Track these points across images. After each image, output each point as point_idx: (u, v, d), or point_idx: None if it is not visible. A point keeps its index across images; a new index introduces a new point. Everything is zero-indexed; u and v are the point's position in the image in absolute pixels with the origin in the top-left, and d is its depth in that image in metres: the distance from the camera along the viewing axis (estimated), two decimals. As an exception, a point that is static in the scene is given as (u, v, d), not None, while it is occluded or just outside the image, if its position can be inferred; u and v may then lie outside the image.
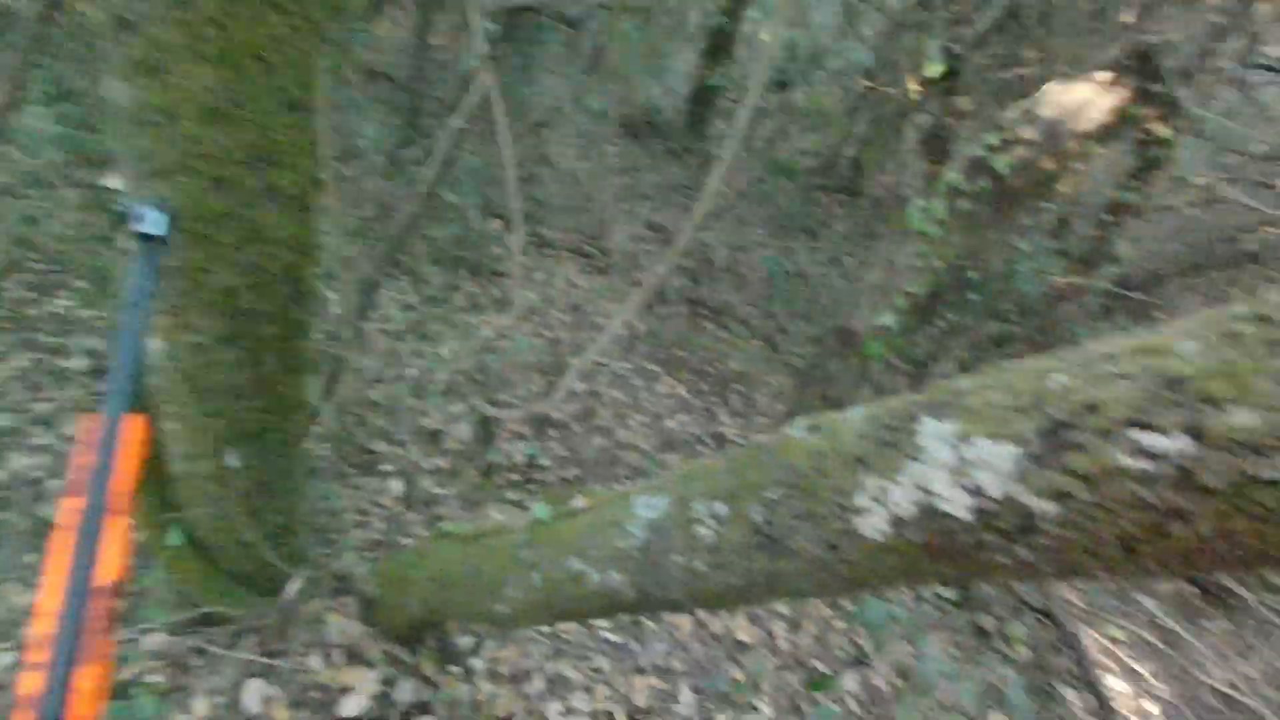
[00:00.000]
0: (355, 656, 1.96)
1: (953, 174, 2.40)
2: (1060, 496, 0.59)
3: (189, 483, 1.55)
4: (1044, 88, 2.23)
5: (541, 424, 3.28)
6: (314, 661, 1.90)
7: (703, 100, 7.04)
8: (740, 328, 4.81)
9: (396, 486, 2.87)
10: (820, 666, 2.82)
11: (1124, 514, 0.55)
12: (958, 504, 0.68)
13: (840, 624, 3.01)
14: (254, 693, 1.80)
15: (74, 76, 3.97)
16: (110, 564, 0.71)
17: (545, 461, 3.30)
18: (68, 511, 0.71)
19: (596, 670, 2.44)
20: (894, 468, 0.75)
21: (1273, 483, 0.48)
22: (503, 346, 3.81)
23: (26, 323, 3.17)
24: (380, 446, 3.10)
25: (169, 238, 0.90)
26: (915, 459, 0.72)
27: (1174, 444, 0.52)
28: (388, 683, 1.95)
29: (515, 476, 3.17)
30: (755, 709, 2.51)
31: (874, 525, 0.77)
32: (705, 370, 4.44)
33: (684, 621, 2.77)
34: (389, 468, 3.00)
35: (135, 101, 1.06)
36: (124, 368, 0.80)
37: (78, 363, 3.06)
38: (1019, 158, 2.21)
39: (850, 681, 2.77)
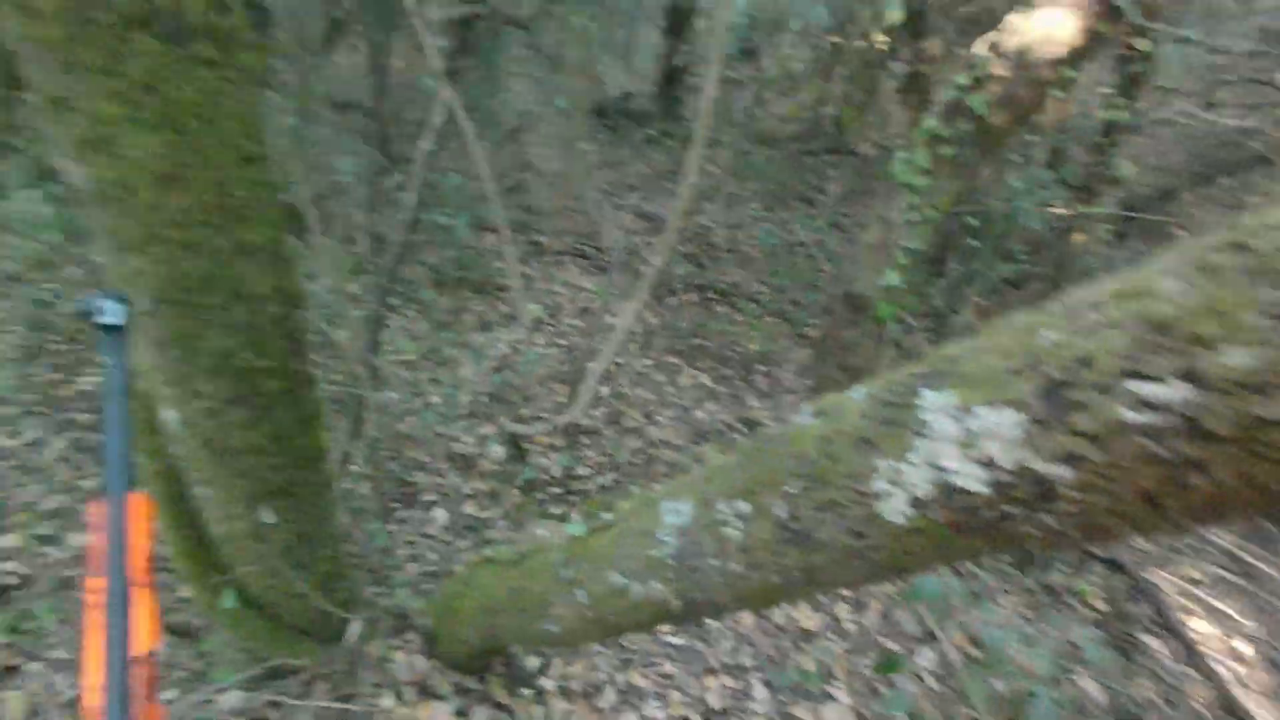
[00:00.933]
0: (426, 691, 1.99)
1: (930, 121, 2.35)
2: (1072, 460, 0.57)
3: (230, 543, 1.58)
4: (1007, 18, 2.18)
5: (572, 433, 3.29)
6: (386, 701, 1.93)
7: (673, 81, 6.98)
8: (752, 306, 4.78)
9: (441, 516, 2.89)
10: (891, 645, 2.78)
11: (1139, 470, 0.53)
12: (972, 478, 0.66)
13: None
14: (333, 737, 1.83)
15: (52, 155, 3.99)
16: (143, 634, 0.75)
17: (582, 470, 3.31)
18: (93, 592, 0.75)
19: (666, 676, 2.43)
20: (903, 447, 0.73)
21: (1281, 423, 0.46)
22: (518, 362, 3.82)
23: (59, 404, 3.24)
24: (418, 478, 3.13)
25: (129, 326, 0.92)
26: (922, 435, 0.71)
27: (1174, 392, 0.50)
28: (461, 714, 1.97)
29: (555, 489, 3.18)
30: (831, 698, 2.47)
31: (895, 508, 0.76)
32: (725, 355, 4.41)
33: (746, 616, 2.74)
34: (430, 498, 3.03)
35: (90, 179, 1.05)
36: (115, 452, 0.83)
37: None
38: (994, 94, 2.16)
39: (922, 658, 2.71)
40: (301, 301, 1.35)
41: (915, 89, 4.62)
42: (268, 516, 1.52)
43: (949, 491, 0.69)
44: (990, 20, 2.76)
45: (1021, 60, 2.12)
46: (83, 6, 0.91)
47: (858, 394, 0.86)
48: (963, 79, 2.24)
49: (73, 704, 2.21)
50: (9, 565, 2.67)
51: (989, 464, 0.65)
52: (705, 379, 4.24)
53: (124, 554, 0.75)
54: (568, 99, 5.43)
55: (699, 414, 3.92)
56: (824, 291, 4.74)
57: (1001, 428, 0.62)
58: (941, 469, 0.69)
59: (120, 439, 0.83)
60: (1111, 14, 2.05)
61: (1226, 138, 3.87)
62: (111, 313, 0.90)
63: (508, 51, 6.44)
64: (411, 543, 2.88)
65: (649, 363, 4.32)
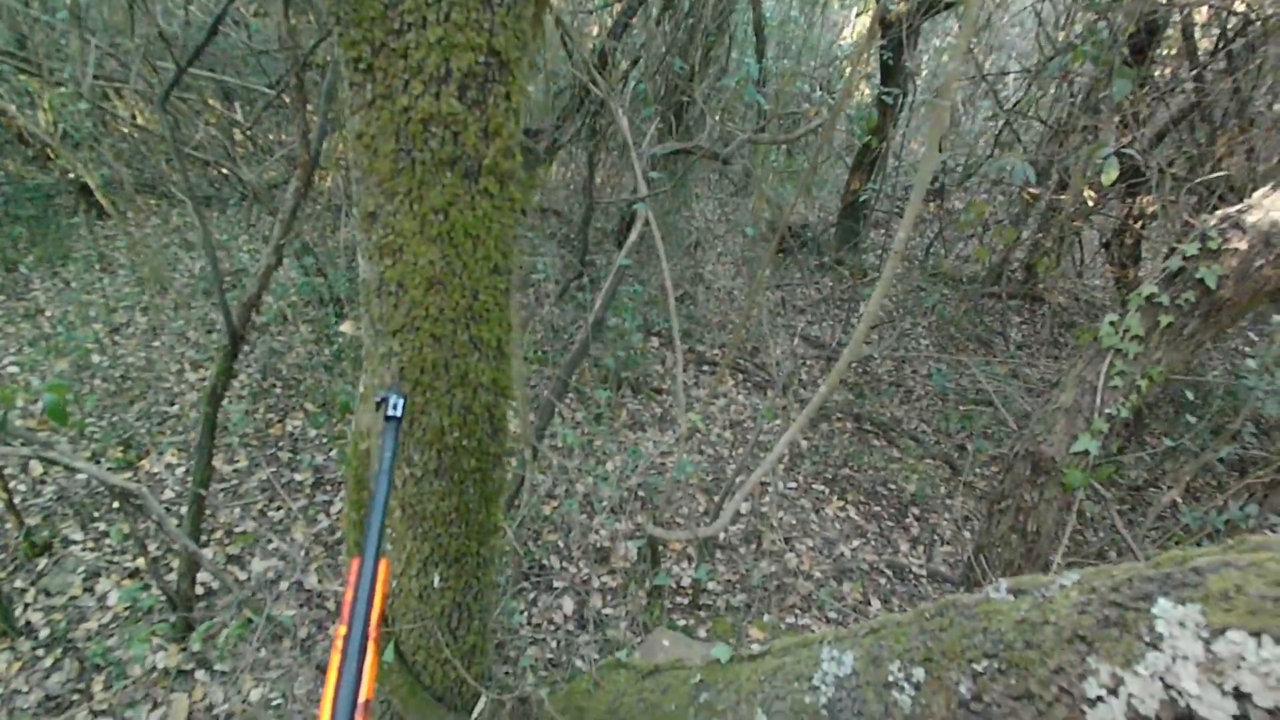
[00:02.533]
0: (541, 781, 1.97)
1: (1149, 287, 2.21)
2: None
3: (399, 600, 1.71)
4: (1254, 193, 2.03)
5: (709, 547, 3.25)
6: (500, 782, 1.93)
7: (853, 214, 7.09)
8: (912, 445, 4.55)
9: (568, 604, 2.94)
10: None
11: None
12: (1216, 708, 0.59)
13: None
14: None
15: (312, 234, 4.77)
16: (368, 683, 0.82)
17: (712, 586, 3.24)
18: (338, 638, 0.84)
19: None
20: (1129, 655, 0.67)
21: None
22: (667, 465, 3.87)
23: (269, 440, 3.73)
24: (553, 562, 3.22)
25: (405, 419, 1.13)
26: (1155, 648, 0.65)
27: None
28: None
29: (682, 600, 3.13)
30: None
31: (1109, 717, 0.69)
32: (878, 492, 4.20)
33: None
34: (560, 584, 3.09)
35: (377, 275, 1.29)
36: (376, 522, 0.94)
37: (304, 475, 3.52)
38: (1229, 267, 2.00)
39: None
40: (510, 393, 1.50)
41: (1124, 245, 4.37)
42: (436, 580, 1.64)
43: (1182, 715, 0.62)
44: (1226, 188, 2.58)
45: (1266, 238, 1.96)
46: (410, 149, 1.14)
47: (1068, 581, 0.81)
48: (1192, 248, 2.10)
49: (227, 717, 2.40)
50: (202, 575, 3.04)
51: (1239, 696, 0.58)
52: (853, 513, 4.04)
53: (369, 610, 0.85)
54: (751, 224, 5.69)
55: (842, 549, 3.72)
56: (998, 442, 4.41)
57: (1264, 664, 0.56)
58: (1176, 690, 0.63)
59: (381, 511, 0.96)
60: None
61: None
62: (396, 407, 1.13)
63: (700, 173, 6.93)
64: (538, 626, 2.93)
65: (794, 486, 4.20)
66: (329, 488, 3.46)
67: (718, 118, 6.80)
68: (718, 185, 8.50)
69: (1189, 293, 2.10)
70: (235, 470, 3.53)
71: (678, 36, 5.47)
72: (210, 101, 5.86)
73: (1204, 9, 3.84)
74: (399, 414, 1.15)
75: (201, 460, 2.70)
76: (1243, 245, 2.00)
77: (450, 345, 1.32)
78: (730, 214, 7.77)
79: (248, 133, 5.61)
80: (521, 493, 2.67)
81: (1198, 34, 4.24)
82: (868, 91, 7.56)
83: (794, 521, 3.85)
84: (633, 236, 3.24)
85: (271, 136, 6.15)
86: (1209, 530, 2.38)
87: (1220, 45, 4.03)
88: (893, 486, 4.27)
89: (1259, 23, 3.57)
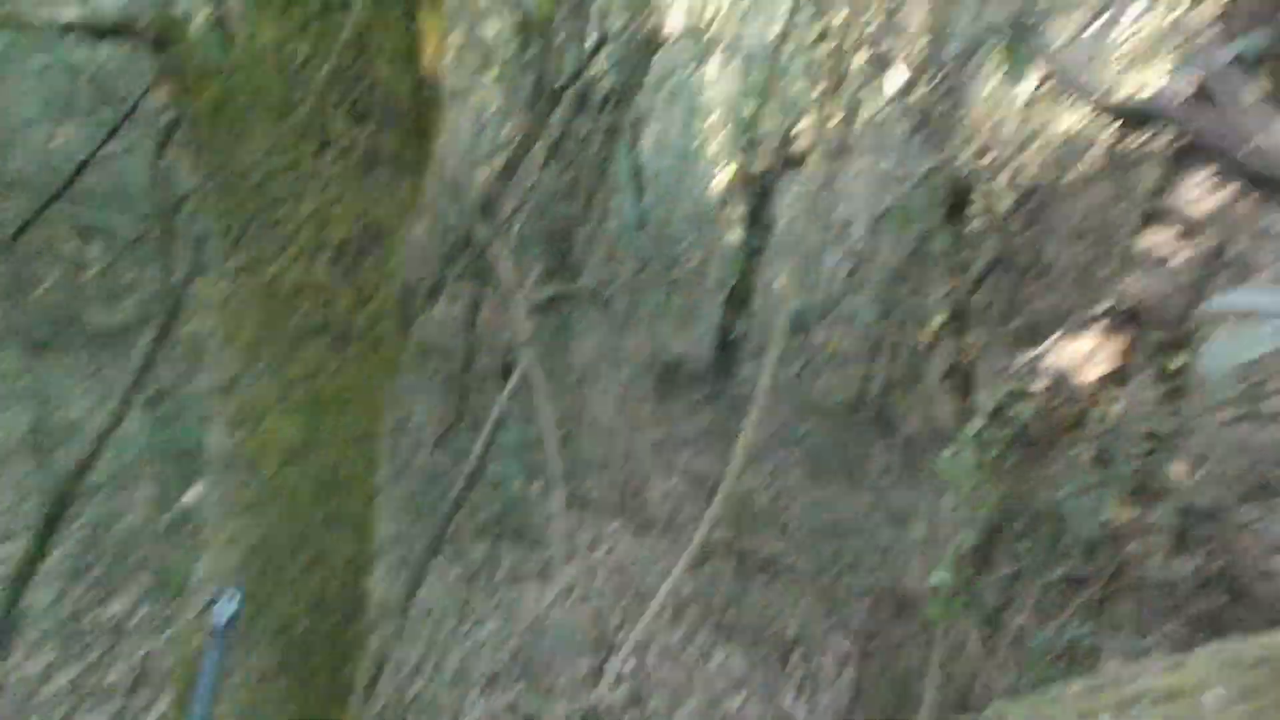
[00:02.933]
0: None
1: (976, 422, 2.48)
2: None
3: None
4: (1049, 340, 2.38)
5: (589, 718, 3.05)
6: None
7: (728, 347, 7.53)
8: (792, 584, 4.61)
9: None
10: None
11: None
12: None
13: None
14: None
15: (167, 379, 4.41)
16: None
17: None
18: None
19: None
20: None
21: None
22: (546, 626, 3.68)
23: (82, 631, 3.15)
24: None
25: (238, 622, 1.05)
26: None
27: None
28: None
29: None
30: None
31: None
32: (761, 633, 4.16)
33: None
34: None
35: (227, 449, 1.22)
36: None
37: (119, 675, 2.99)
38: (1037, 406, 2.29)
39: None
40: (369, 570, 1.41)
41: (960, 377, 4.88)
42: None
43: None
44: (1032, 335, 2.99)
45: (1061, 380, 2.28)
46: (276, 318, 1.14)
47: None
48: (1005, 389, 2.40)
49: None
50: None
51: None
52: (738, 660, 3.94)
53: None
54: (631, 360, 5.89)
55: (728, 705, 3.58)
56: (867, 573, 4.56)
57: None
58: None
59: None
60: (1144, 343, 2.24)
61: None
62: (225, 612, 1.03)
63: (582, 311, 7.17)
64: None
65: (679, 634, 4.08)
66: (151, 687, 2.95)
67: (601, 258, 7.16)
68: (600, 324, 8.78)
69: (1007, 429, 2.36)
70: (27, 676, 2.92)
71: (561, 184, 5.83)
72: (62, 239, 5.53)
73: (1003, 176, 4.61)
74: (229, 620, 1.04)
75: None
76: (1042, 386, 2.31)
77: (305, 523, 1.25)
78: (613, 350, 8.01)
79: (102, 274, 5.30)
80: (382, 673, 2.44)
81: (1001, 197, 5.04)
82: (738, 233, 8.25)
83: (680, 677, 3.71)
84: (513, 381, 3.26)
85: (131, 276, 5.81)
86: (1054, 653, 2.55)
87: (1017, 207, 4.83)
88: (775, 627, 4.24)
89: (1047, 187, 4.34)
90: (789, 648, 4.08)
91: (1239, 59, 2.12)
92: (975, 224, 5.32)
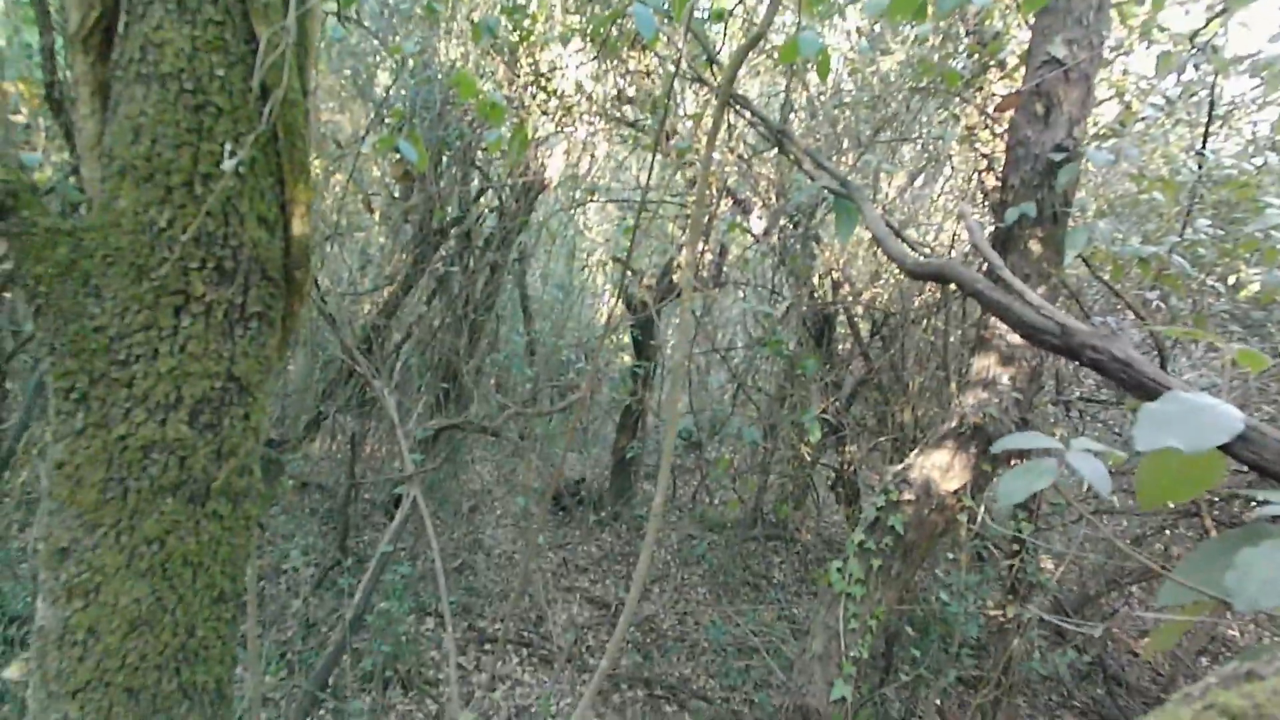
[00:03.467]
0: None
1: (858, 534, 2.59)
2: None
3: None
4: (912, 453, 2.58)
5: None
6: None
7: (623, 469, 7.54)
8: (702, 706, 4.45)
9: None
10: None
11: None
12: None
13: None
14: None
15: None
16: None
17: None
18: None
19: None
20: None
21: None
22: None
23: None
24: None
25: None
26: None
27: None
28: None
29: None
30: None
31: None
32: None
33: None
34: None
35: (60, 623, 1.09)
36: None
37: None
38: (908, 515, 2.44)
39: None
40: (230, 742, 1.27)
41: (845, 487, 5.12)
42: None
43: None
44: (901, 448, 3.22)
45: (924, 490, 2.46)
46: (123, 477, 1.06)
47: None
48: (880, 500, 2.54)
49: None
50: None
51: None
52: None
53: None
54: (525, 490, 5.78)
55: None
56: (778, 692, 4.49)
57: None
58: None
59: None
60: (987, 458, 2.47)
61: (1126, 542, 4.25)
62: None
63: (472, 440, 7.01)
64: None
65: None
66: None
67: (490, 387, 7.13)
68: (493, 448, 8.62)
69: (887, 538, 2.49)
70: None
71: (447, 317, 5.87)
72: None
73: (859, 306, 5.09)
74: None
75: None
76: (911, 496, 2.48)
77: (151, 699, 1.12)
78: (507, 475, 7.83)
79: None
80: None
81: (860, 323, 5.53)
82: (626, 359, 8.50)
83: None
84: (398, 519, 3.11)
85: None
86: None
87: (874, 332, 5.32)
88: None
89: (898, 315, 4.81)
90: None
91: (1020, 220, 2.56)
92: (842, 347, 5.80)
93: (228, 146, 1.12)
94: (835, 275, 5.04)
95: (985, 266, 2.71)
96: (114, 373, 1.10)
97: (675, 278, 7.02)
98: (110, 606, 1.09)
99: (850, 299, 5.12)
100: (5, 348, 2.65)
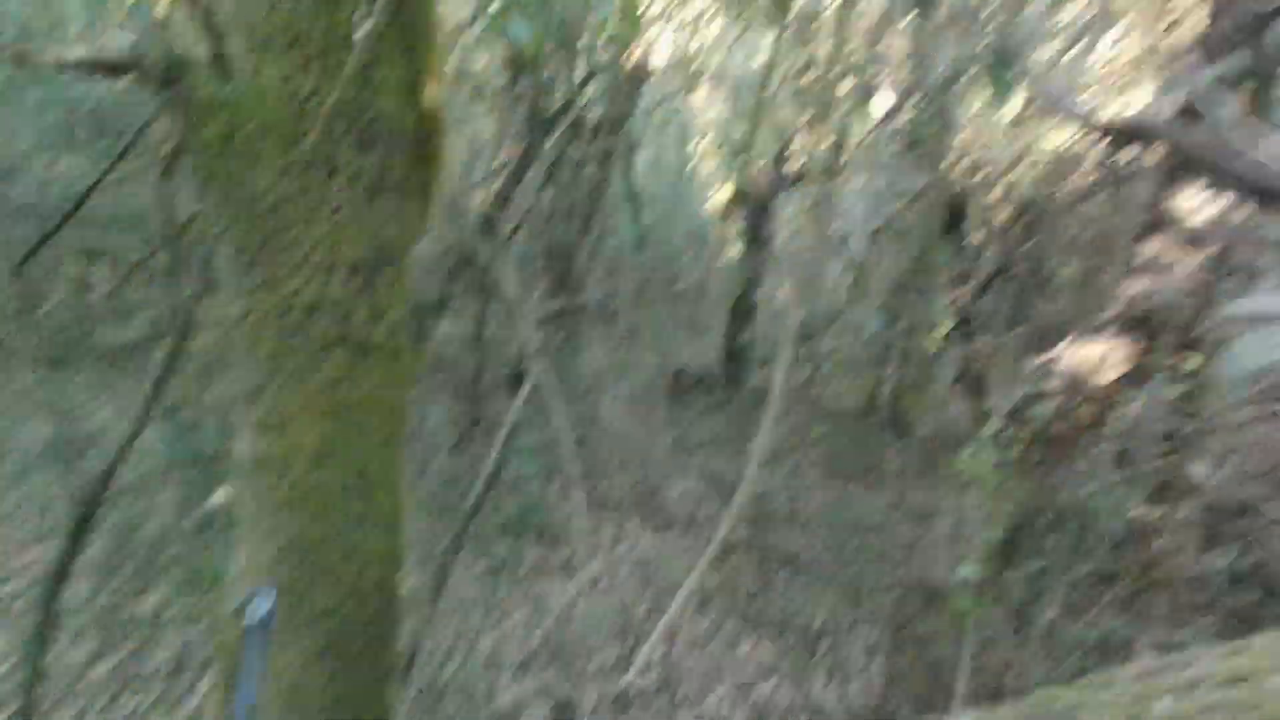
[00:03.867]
0: None
1: (995, 422, 2.47)
2: None
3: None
4: (1061, 344, 2.38)
5: (622, 702, 3.06)
6: None
7: (735, 357, 7.54)
8: (815, 578, 4.60)
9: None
10: None
11: None
12: None
13: None
14: None
15: (183, 392, 4.46)
16: None
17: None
18: None
19: None
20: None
21: None
22: (573, 615, 3.70)
23: (120, 622, 3.24)
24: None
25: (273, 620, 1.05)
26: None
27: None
28: None
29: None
30: None
31: None
32: (787, 624, 4.15)
33: None
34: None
35: (255, 453, 1.24)
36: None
37: (161, 660, 3.07)
38: (1055, 407, 2.29)
39: None
40: (400, 564, 1.43)
41: (971, 379, 4.87)
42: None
43: None
44: (1039, 341, 2.99)
45: (1074, 383, 2.28)
46: (295, 332, 1.15)
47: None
48: (1023, 390, 2.40)
49: None
50: None
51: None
52: (766, 648, 3.94)
53: None
54: (640, 370, 5.90)
55: (760, 691, 3.60)
56: (889, 569, 4.54)
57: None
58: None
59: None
60: (1154, 350, 2.23)
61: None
62: (258, 611, 1.04)
63: (591, 322, 7.19)
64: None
65: (705, 625, 4.09)
66: (190, 673, 3.03)
67: (603, 275, 7.19)
68: (607, 336, 8.81)
69: (1026, 429, 2.36)
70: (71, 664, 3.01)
71: (558, 206, 5.88)
72: (69, 262, 5.58)
73: (996, 192, 4.63)
74: (264, 617, 1.04)
75: (34, 651, 2.30)
76: (1058, 389, 2.31)
77: (337, 520, 1.27)
78: (621, 361, 8.03)
79: (111, 294, 5.35)
80: (416, 659, 2.45)
81: (996, 211, 5.04)
82: (736, 250, 8.27)
83: (709, 665, 3.72)
84: (524, 391, 3.27)
85: (138, 296, 5.86)
86: (1087, 645, 2.54)
87: (1013, 220, 4.86)
88: (800, 619, 4.24)
89: (1041, 202, 4.36)
90: (816, 638, 4.07)
91: (1221, 79, 2.15)
92: (974, 237, 5.34)
93: (357, 15, 1.11)
94: (970, 160, 4.58)
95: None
96: (276, 237, 1.17)
97: (791, 165, 6.62)
98: (295, 442, 1.21)
99: (987, 185, 4.66)
100: (176, 225, 2.91)
